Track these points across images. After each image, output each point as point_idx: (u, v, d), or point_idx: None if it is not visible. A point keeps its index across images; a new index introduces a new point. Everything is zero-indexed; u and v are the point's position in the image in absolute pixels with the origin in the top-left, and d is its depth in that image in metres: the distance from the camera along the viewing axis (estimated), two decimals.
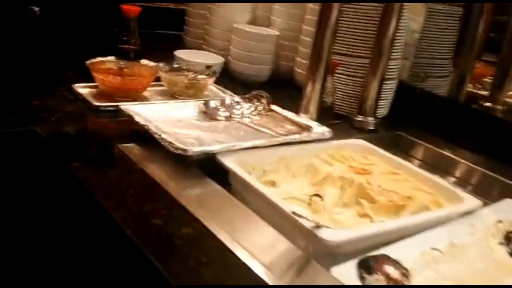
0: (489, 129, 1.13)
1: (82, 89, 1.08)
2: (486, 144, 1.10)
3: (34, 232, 0.92)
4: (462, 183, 1.04)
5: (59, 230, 0.88)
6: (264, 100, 1.08)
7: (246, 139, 0.90)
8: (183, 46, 1.66)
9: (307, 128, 0.98)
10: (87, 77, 1.10)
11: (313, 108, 1.05)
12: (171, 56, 1.39)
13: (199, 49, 1.52)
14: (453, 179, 1.07)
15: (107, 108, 1.01)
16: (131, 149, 0.87)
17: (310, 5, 1.38)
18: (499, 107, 1.31)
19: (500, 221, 0.81)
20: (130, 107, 0.94)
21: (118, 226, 0.65)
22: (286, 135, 0.95)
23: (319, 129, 0.98)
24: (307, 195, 0.85)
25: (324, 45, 1.00)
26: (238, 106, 1.06)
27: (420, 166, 1.07)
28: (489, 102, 1.32)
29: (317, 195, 0.83)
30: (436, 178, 0.89)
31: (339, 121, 1.17)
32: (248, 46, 1.36)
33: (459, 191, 0.84)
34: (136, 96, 1.07)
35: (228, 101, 1.06)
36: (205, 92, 1.17)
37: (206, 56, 1.37)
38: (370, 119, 1.14)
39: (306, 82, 1.05)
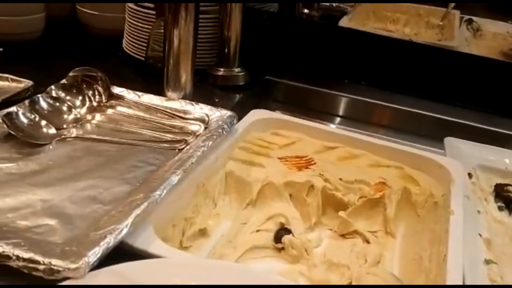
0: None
1: None
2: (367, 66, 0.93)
3: None
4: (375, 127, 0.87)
5: None
6: (99, 84, 0.65)
7: (141, 179, 0.52)
8: None
9: (202, 120, 0.62)
10: None
11: (186, 76, 0.67)
12: None
13: None
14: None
15: None
16: None
17: None
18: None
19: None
20: None
21: None
22: (183, 143, 0.58)
23: (218, 115, 0.64)
24: (261, 231, 0.54)
25: None
26: (63, 107, 0.61)
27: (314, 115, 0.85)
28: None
29: (284, 230, 0.53)
30: (385, 142, 0.68)
31: None
32: None
33: (427, 153, 0.65)
34: None
35: (42, 102, 0.59)
36: None
37: None
38: (238, 71, 0.83)
39: (167, 35, 0.65)
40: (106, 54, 0.92)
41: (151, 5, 0.78)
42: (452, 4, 1.12)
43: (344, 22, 1.08)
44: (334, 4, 1.24)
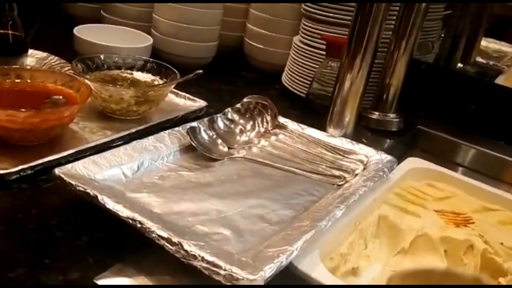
0: None
1: None
2: None
3: None
4: None
5: None
6: (268, 113, 0.70)
7: (301, 207, 0.55)
8: (59, 13, 1.14)
9: (361, 161, 0.64)
10: None
11: (350, 117, 0.70)
12: (65, 38, 0.89)
13: (95, 20, 1.02)
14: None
15: (22, 173, 0.53)
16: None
17: None
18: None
19: None
20: (75, 170, 0.49)
21: None
22: (342, 179, 0.60)
23: (378, 158, 0.65)
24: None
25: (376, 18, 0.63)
26: (236, 129, 0.66)
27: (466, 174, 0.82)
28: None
29: None
30: None
31: None
32: (186, 15, 0.93)
33: None
34: (57, 135, 0.60)
35: (220, 122, 0.65)
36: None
37: (125, 35, 0.91)
38: (393, 116, 0.84)
39: (341, 76, 0.68)
40: (264, 86, 0.98)
41: (320, 45, 0.83)
42: None
43: (500, 81, 1.05)
44: (490, 62, 1.21)
